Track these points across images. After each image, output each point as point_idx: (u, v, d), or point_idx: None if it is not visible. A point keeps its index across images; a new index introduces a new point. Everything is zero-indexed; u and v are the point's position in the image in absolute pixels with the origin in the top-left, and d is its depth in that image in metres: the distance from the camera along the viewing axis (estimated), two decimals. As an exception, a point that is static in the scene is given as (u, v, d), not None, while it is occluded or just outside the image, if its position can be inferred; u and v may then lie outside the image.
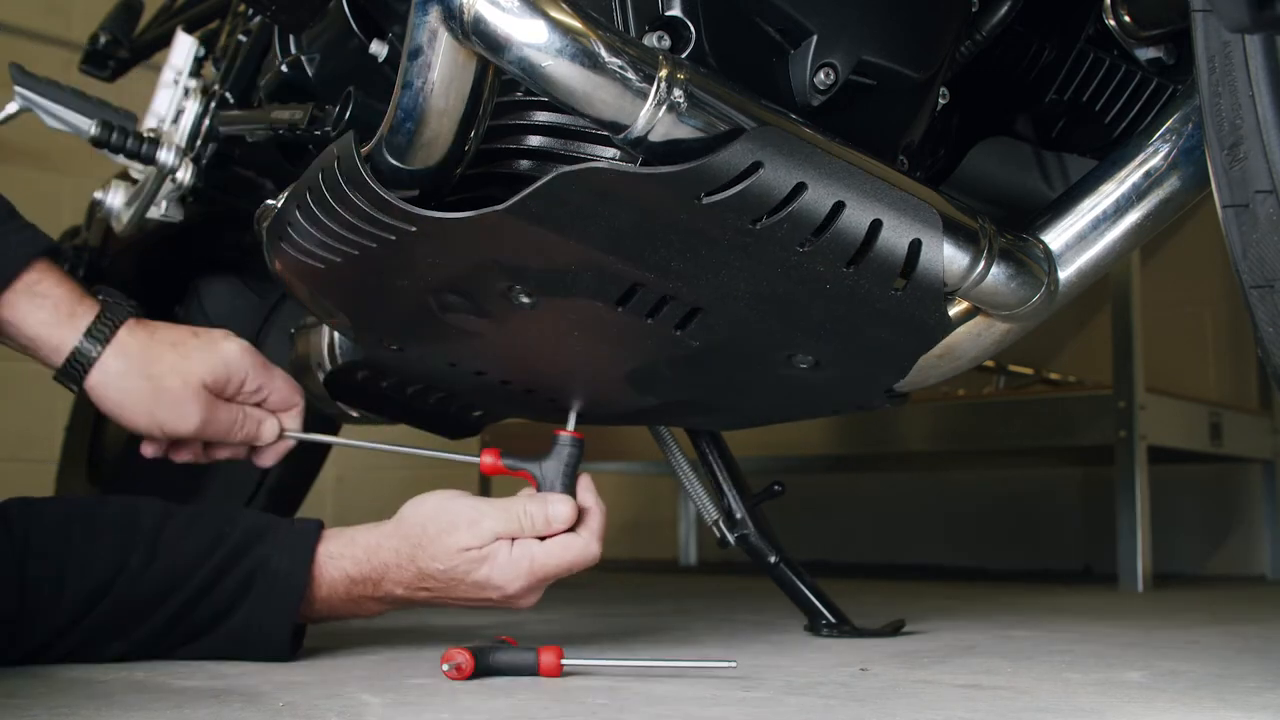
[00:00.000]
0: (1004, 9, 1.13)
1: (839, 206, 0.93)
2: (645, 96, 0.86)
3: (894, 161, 1.04)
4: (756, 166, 0.89)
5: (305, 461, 1.92)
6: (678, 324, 1.04)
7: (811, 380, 1.14)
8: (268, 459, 1.26)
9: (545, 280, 1.00)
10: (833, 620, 1.40)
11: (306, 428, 1.27)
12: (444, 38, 0.86)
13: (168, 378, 1.14)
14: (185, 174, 1.43)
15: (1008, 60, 1.23)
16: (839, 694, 0.95)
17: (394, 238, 0.97)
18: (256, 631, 1.10)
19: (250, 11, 1.51)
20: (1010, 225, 1.08)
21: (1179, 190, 1.07)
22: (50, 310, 1.11)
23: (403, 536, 1.10)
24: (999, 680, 1.03)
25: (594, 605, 1.82)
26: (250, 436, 1.22)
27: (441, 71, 0.88)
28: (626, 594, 2.13)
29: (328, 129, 1.17)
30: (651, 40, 0.93)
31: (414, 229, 0.95)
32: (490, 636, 1.12)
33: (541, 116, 0.98)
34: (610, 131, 0.88)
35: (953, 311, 1.06)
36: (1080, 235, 1.07)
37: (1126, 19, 1.18)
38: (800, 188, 0.91)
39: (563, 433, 1.16)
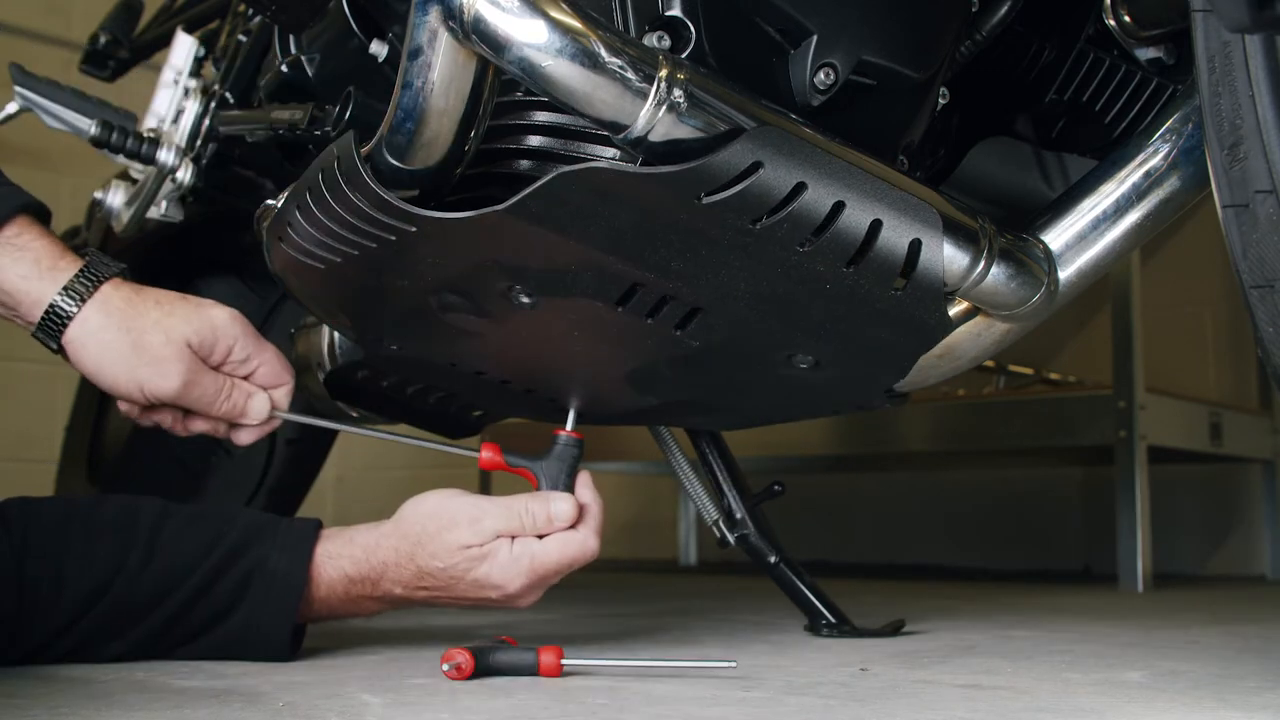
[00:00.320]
0: (1004, 9, 1.13)
1: (839, 206, 0.93)
2: (645, 96, 0.86)
3: (894, 161, 1.04)
4: (756, 166, 0.89)
5: (305, 461, 1.93)
6: (678, 324, 1.04)
7: (811, 380, 1.15)
8: (245, 437, 1.19)
9: (545, 280, 1.00)
10: (833, 620, 1.40)
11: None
12: (444, 38, 0.86)
13: (150, 333, 1.09)
14: (185, 174, 1.43)
15: (1008, 60, 1.23)
16: (839, 694, 0.95)
17: (394, 238, 0.97)
18: (255, 632, 1.09)
19: (250, 11, 1.51)
20: (1010, 225, 1.08)
21: (1179, 190, 1.07)
22: (30, 264, 1.07)
23: (402, 535, 1.10)
24: (999, 680, 1.03)
25: (594, 605, 1.82)
26: (236, 410, 1.15)
27: (441, 71, 0.88)
28: (626, 594, 2.13)
29: (328, 129, 1.17)
30: (651, 40, 0.93)
31: (414, 229, 0.95)
32: (490, 636, 1.12)
33: (541, 116, 0.98)
34: (610, 131, 0.88)
35: (953, 311, 1.06)
36: (1080, 235, 1.07)
37: (1126, 19, 1.18)
38: (800, 188, 0.91)
39: (562, 432, 1.16)
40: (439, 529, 1.09)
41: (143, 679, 1.01)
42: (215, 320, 1.13)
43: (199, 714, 0.85)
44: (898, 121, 1.05)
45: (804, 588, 1.43)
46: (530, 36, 0.84)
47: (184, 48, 1.50)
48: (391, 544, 1.10)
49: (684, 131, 0.88)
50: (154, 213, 1.48)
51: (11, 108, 1.51)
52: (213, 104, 1.46)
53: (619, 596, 2.06)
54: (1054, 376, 2.80)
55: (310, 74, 1.25)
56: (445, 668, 1.00)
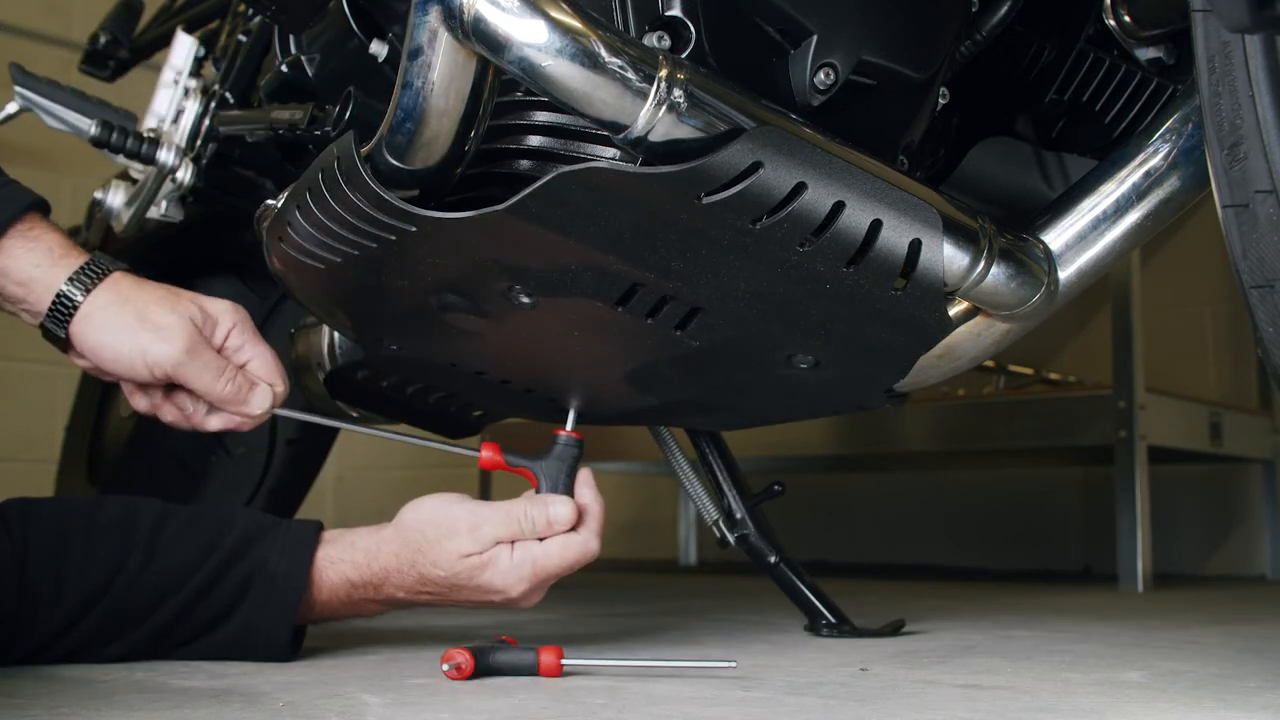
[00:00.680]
0: (1004, 9, 1.13)
1: (839, 206, 0.93)
2: (645, 96, 0.86)
3: (894, 161, 1.04)
4: (756, 166, 0.89)
5: (305, 461, 1.93)
6: (678, 324, 1.04)
7: (811, 380, 1.14)
8: (212, 423, 1.16)
9: (545, 280, 1.00)
10: (833, 620, 1.40)
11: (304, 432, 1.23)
12: (444, 38, 0.86)
13: (154, 305, 1.10)
14: (185, 174, 1.43)
15: (1008, 60, 1.23)
16: (839, 694, 0.95)
17: (394, 238, 0.97)
18: (256, 634, 1.09)
19: (250, 11, 1.51)
20: (1010, 225, 1.08)
21: (1179, 190, 1.07)
22: (44, 253, 1.09)
23: (403, 541, 1.10)
24: (999, 680, 1.03)
25: (594, 605, 1.82)
26: (239, 395, 1.13)
27: (441, 71, 0.88)
28: (626, 594, 2.13)
29: (328, 129, 1.17)
30: (651, 40, 0.93)
31: (414, 229, 0.95)
32: (490, 636, 1.12)
33: (541, 116, 0.98)
34: (610, 131, 0.88)
35: (953, 311, 1.06)
36: (1080, 235, 1.07)
37: (1126, 19, 1.18)
38: (800, 188, 0.91)
39: (562, 433, 1.16)
40: (439, 537, 1.09)
41: (143, 679, 1.01)
42: (217, 305, 1.14)
43: (199, 714, 0.85)
44: (898, 121, 1.05)
45: (804, 588, 1.43)
46: (530, 36, 0.84)
47: (184, 48, 1.50)
48: (393, 550, 1.10)
49: (684, 131, 0.88)
50: (154, 213, 1.48)
51: (11, 108, 1.51)
52: (213, 104, 1.46)
53: (619, 596, 2.06)
54: (1054, 376, 2.80)
55: (310, 74, 1.25)
56: (445, 668, 1.00)
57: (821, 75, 0.98)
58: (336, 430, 1.97)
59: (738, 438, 1.47)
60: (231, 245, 1.74)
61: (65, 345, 1.11)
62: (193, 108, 1.46)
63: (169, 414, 1.16)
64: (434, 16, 0.86)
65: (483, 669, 1.01)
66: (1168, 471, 2.68)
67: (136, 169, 1.50)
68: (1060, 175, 1.30)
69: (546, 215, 0.91)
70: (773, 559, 1.43)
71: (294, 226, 1.05)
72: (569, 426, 1.19)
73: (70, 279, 1.09)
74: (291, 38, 1.27)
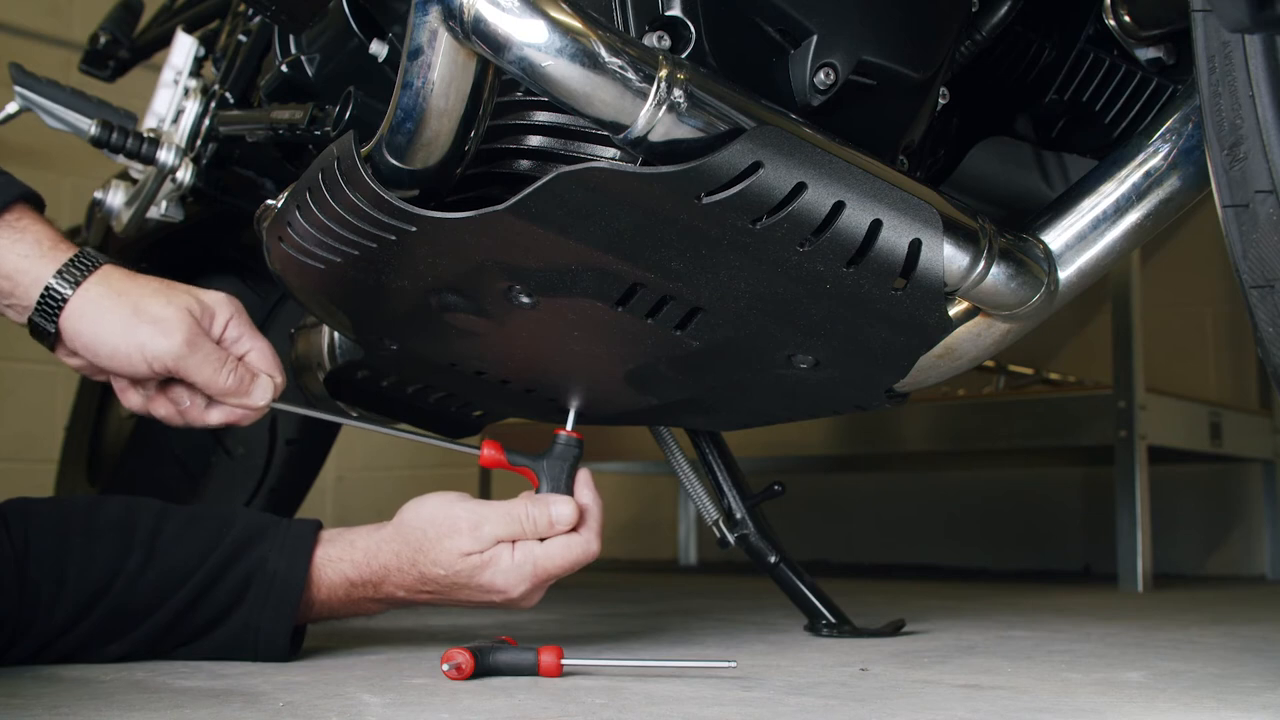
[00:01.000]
0: (1004, 9, 1.13)
1: (839, 206, 0.93)
2: (645, 96, 0.86)
3: (894, 161, 1.04)
4: (756, 166, 0.89)
5: (305, 461, 1.93)
6: (678, 324, 1.04)
7: (811, 380, 1.15)
8: (213, 417, 1.14)
9: (545, 280, 1.00)
10: (833, 620, 1.40)
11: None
12: (444, 38, 0.86)
13: (150, 298, 1.08)
14: (185, 174, 1.43)
15: (1008, 60, 1.23)
16: (839, 694, 0.95)
17: (394, 238, 0.97)
18: (255, 633, 1.09)
19: (250, 11, 1.51)
20: (1010, 225, 1.08)
21: (1179, 190, 1.07)
22: (31, 244, 1.06)
23: (403, 540, 1.10)
24: (999, 680, 1.03)
25: (594, 605, 1.82)
26: (241, 387, 1.11)
27: (441, 71, 0.88)
28: (626, 594, 2.13)
29: (328, 129, 1.17)
30: (651, 40, 0.93)
31: (414, 229, 0.95)
32: (490, 636, 1.12)
33: (541, 116, 0.98)
34: (610, 131, 0.88)
35: (953, 311, 1.06)
36: (1080, 235, 1.07)
37: (1126, 19, 1.18)
38: (800, 188, 0.91)
39: (563, 432, 1.16)
40: (439, 535, 1.09)
41: (143, 679, 1.01)
42: (213, 296, 1.12)
43: (199, 714, 0.85)
44: (898, 122, 1.05)
45: (804, 588, 1.43)
46: (530, 36, 0.84)
47: (184, 48, 1.50)
48: (393, 549, 1.10)
49: (684, 131, 0.88)
50: (154, 213, 1.48)
51: (11, 108, 1.51)
52: (213, 104, 1.46)
53: (619, 596, 2.05)
54: (1054, 376, 2.80)
55: (310, 74, 1.25)
56: (445, 668, 1.00)
57: (821, 75, 0.98)
58: (337, 430, 1.98)
59: (738, 438, 1.47)
60: (232, 245, 1.75)
61: (54, 342, 1.09)
62: (193, 108, 1.46)
63: (163, 410, 1.14)
64: (434, 16, 0.86)
65: (483, 669, 1.01)
66: (1168, 471, 2.68)
67: (136, 169, 1.50)
68: (1060, 175, 1.30)
69: (547, 215, 0.91)
70: (773, 559, 1.43)
71: (294, 226, 1.05)
72: (569, 426, 1.19)
73: (59, 272, 1.06)
74: (291, 38, 1.26)
